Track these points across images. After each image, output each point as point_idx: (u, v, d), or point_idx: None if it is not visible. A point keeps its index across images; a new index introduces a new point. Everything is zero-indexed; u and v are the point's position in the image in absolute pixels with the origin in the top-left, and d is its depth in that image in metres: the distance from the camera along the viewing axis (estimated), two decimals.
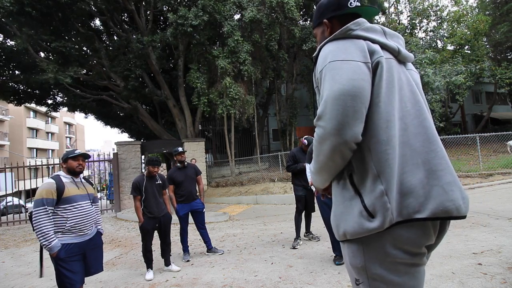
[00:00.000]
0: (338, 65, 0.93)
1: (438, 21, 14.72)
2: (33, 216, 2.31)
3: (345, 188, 0.98)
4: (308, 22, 15.79)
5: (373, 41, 1.01)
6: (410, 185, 0.89)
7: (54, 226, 2.37)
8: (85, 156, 2.63)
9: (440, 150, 0.95)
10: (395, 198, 0.88)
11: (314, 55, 1.10)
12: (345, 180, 0.99)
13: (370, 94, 0.93)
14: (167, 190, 4.15)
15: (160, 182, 3.95)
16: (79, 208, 2.48)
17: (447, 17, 14.48)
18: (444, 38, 14.20)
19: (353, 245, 0.97)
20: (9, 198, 13.20)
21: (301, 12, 14.43)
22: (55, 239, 2.32)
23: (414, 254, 0.92)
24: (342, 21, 1.11)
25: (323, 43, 1.06)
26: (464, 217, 0.91)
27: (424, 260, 0.96)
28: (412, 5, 14.33)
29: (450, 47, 14.40)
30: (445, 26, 14.56)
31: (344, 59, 0.94)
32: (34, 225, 2.30)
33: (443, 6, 15.27)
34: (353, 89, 0.88)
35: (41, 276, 2.45)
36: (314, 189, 3.66)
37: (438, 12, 14.55)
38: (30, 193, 18.70)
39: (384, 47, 1.02)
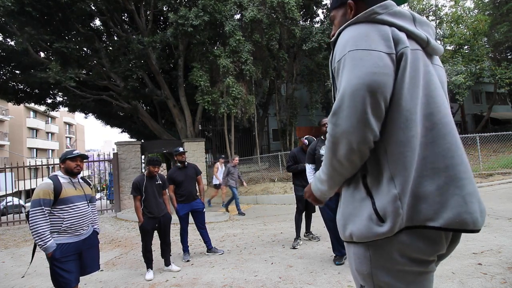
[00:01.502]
0: (358, 55, 0.83)
1: (437, 21, 14.73)
2: (29, 216, 2.33)
3: (357, 189, 0.92)
4: (308, 22, 15.81)
5: (400, 28, 0.89)
6: (426, 190, 0.83)
7: (51, 226, 2.38)
8: (83, 157, 2.65)
9: (464, 156, 0.88)
10: (408, 202, 0.82)
11: (332, 40, 0.98)
12: (357, 181, 0.92)
13: (391, 89, 0.84)
14: (167, 190, 4.16)
15: (160, 182, 3.95)
16: (76, 209, 2.50)
17: (445, 18, 14.50)
18: (444, 38, 14.20)
19: (359, 250, 0.92)
20: (9, 198, 13.21)
21: (301, 12, 14.45)
22: (50, 239, 2.33)
23: (423, 262, 0.88)
24: (369, 4, 1.00)
25: (342, 26, 0.94)
26: (478, 231, 0.84)
27: (433, 267, 0.92)
28: (410, 4, 14.32)
29: (449, 47, 14.40)
30: (444, 26, 14.56)
31: (365, 48, 0.84)
32: (30, 225, 2.32)
33: (442, 6, 15.26)
34: (374, 84, 0.80)
35: (23, 276, 2.48)
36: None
37: (437, 12, 14.56)
38: (30, 193, 18.72)
39: (411, 36, 0.91)
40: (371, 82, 0.80)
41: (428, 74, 0.91)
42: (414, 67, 0.87)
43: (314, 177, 1.04)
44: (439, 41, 14.89)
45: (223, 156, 9.59)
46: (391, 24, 0.89)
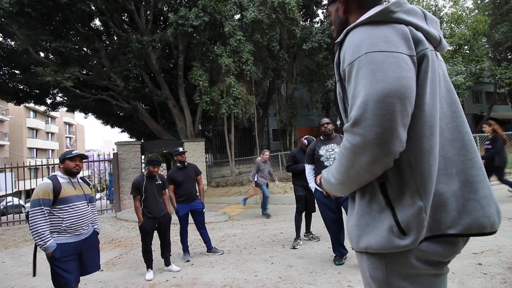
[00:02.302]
0: (380, 58, 0.75)
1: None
2: (29, 216, 2.34)
3: (374, 198, 0.84)
4: (308, 22, 15.82)
5: (417, 28, 0.83)
6: (443, 198, 0.80)
7: (50, 226, 2.39)
8: (82, 157, 2.65)
9: (477, 159, 0.84)
10: (429, 212, 0.79)
11: (338, 40, 0.90)
12: (374, 189, 0.84)
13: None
14: (167, 190, 4.16)
15: (160, 182, 3.95)
16: (75, 209, 2.50)
17: (445, 18, 14.51)
18: (444, 38, 14.22)
19: (374, 257, 0.87)
20: (9, 198, 13.20)
21: (301, 12, 14.47)
22: (50, 239, 2.34)
23: (439, 264, 0.86)
24: None
25: (352, 25, 0.85)
26: (495, 232, 0.83)
27: (447, 269, 0.90)
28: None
29: (449, 47, 14.42)
30: (444, 26, 14.57)
31: (386, 49, 0.75)
32: (30, 225, 2.33)
33: (442, 6, 15.29)
34: (402, 89, 0.72)
35: (34, 275, 2.49)
36: (313, 189, 3.66)
37: (437, 12, 14.56)
38: (30, 193, 18.72)
39: (426, 35, 0.84)
40: (400, 87, 0.72)
41: (439, 76, 0.87)
42: (433, 70, 0.82)
43: (322, 177, 0.98)
44: None
45: (265, 150, 8.23)
46: (407, 23, 0.82)
